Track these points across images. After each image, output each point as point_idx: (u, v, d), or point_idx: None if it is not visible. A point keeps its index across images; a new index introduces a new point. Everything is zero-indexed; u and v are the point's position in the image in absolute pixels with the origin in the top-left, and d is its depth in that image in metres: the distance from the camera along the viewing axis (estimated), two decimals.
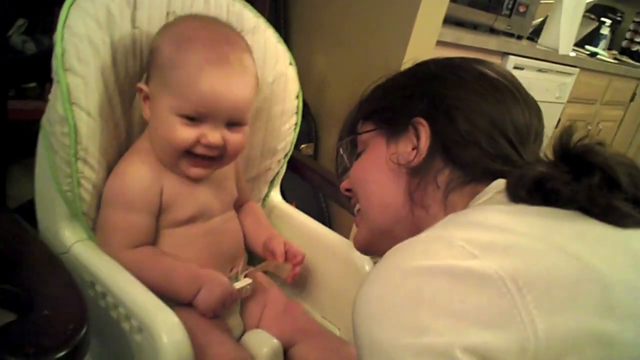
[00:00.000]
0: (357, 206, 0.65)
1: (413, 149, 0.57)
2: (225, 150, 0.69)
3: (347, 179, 0.67)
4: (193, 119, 0.66)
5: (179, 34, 0.67)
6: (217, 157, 0.70)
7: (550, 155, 0.50)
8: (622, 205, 0.45)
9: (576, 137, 0.48)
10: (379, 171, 0.60)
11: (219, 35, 0.68)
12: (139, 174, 0.68)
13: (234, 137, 0.69)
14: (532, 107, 0.58)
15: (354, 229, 1.88)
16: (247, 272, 0.77)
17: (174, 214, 0.70)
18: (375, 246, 0.64)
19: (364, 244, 0.66)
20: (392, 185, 0.59)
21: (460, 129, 0.55)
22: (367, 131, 0.63)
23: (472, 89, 0.57)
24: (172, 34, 0.68)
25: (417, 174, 0.56)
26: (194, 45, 0.66)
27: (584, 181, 0.45)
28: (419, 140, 0.56)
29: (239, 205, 0.85)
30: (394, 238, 0.58)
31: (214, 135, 0.67)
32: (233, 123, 0.69)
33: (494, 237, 0.43)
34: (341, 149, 0.68)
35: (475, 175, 0.54)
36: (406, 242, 0.46)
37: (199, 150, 0.67)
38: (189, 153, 0.68)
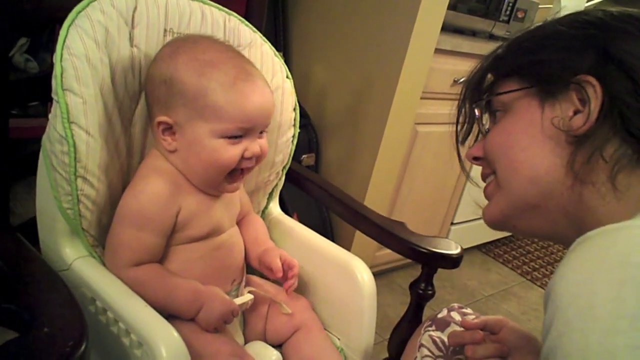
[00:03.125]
0: (491, 177, 0.59)
1: (575, 113, 0.49)
2: (260, 157, 0.71)
3: (476, 145, 0.60)
4: (236, 137, 0.67)
5: (195, 60, 0.66)
6: (253, 166, 0.71)
7: None
8: None
9: None
10: (531, 137, 0.52)
11: (230, 51, 0.70)
12: (157, 194, 0.67)
13: (264, 142, 0.71)
14: None
15: (355, 240, 1.88)
16: (250, 290, 0.77)
17: (190, 231, 0.71)
18: (513, 221, 0.57)
19: (499, 218, 0.58)
20: (548, 154, 0.51)
21: None
22: (513, 90, 0.55)
23: None
24: (187, 62, 0.66)
25: (582, 143, 0.48)
26: (217, 67, 0.66)
27: None
28: (586, 103, 0.49)
29: (241, 217, 0.85)
30: (540, 215, 0.53)
31: (255, 146, 0.69)
32: (262, 130, 0.71)
33: None
34: (467, 111, 0.61)
35: None
36: None
37: (243, 164, 0.69)
38: (232, 170, 0.69)
